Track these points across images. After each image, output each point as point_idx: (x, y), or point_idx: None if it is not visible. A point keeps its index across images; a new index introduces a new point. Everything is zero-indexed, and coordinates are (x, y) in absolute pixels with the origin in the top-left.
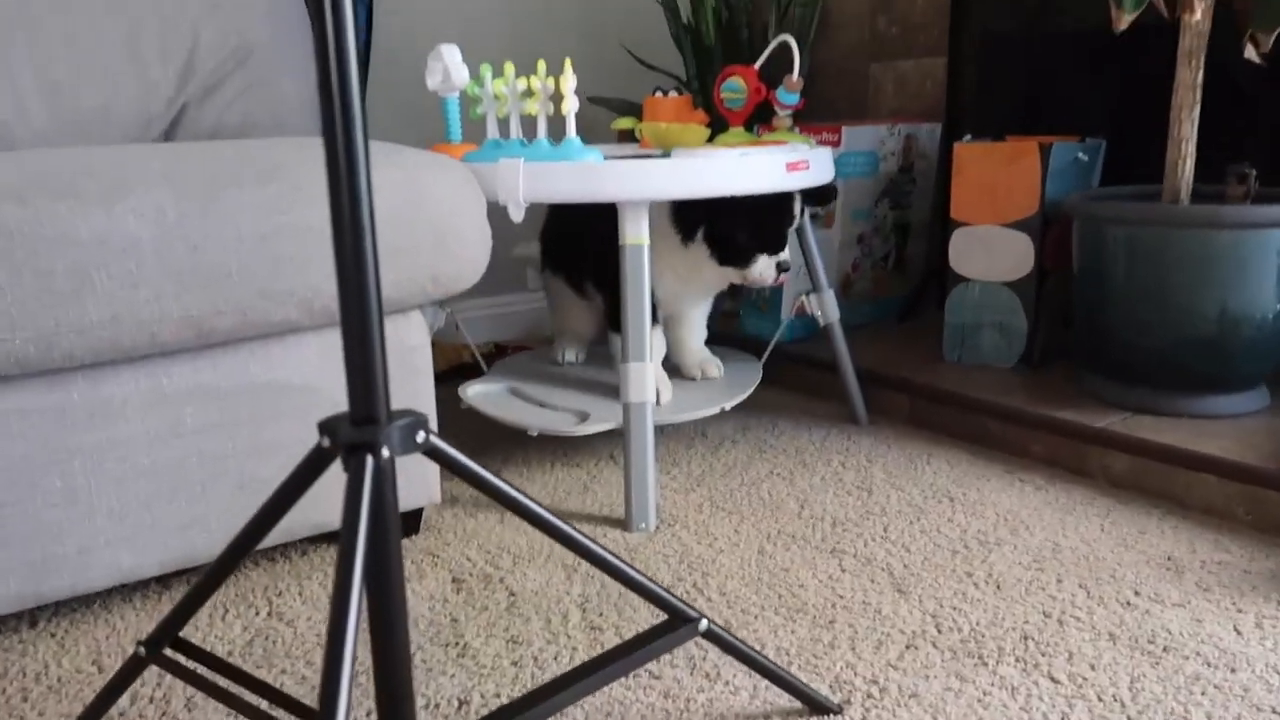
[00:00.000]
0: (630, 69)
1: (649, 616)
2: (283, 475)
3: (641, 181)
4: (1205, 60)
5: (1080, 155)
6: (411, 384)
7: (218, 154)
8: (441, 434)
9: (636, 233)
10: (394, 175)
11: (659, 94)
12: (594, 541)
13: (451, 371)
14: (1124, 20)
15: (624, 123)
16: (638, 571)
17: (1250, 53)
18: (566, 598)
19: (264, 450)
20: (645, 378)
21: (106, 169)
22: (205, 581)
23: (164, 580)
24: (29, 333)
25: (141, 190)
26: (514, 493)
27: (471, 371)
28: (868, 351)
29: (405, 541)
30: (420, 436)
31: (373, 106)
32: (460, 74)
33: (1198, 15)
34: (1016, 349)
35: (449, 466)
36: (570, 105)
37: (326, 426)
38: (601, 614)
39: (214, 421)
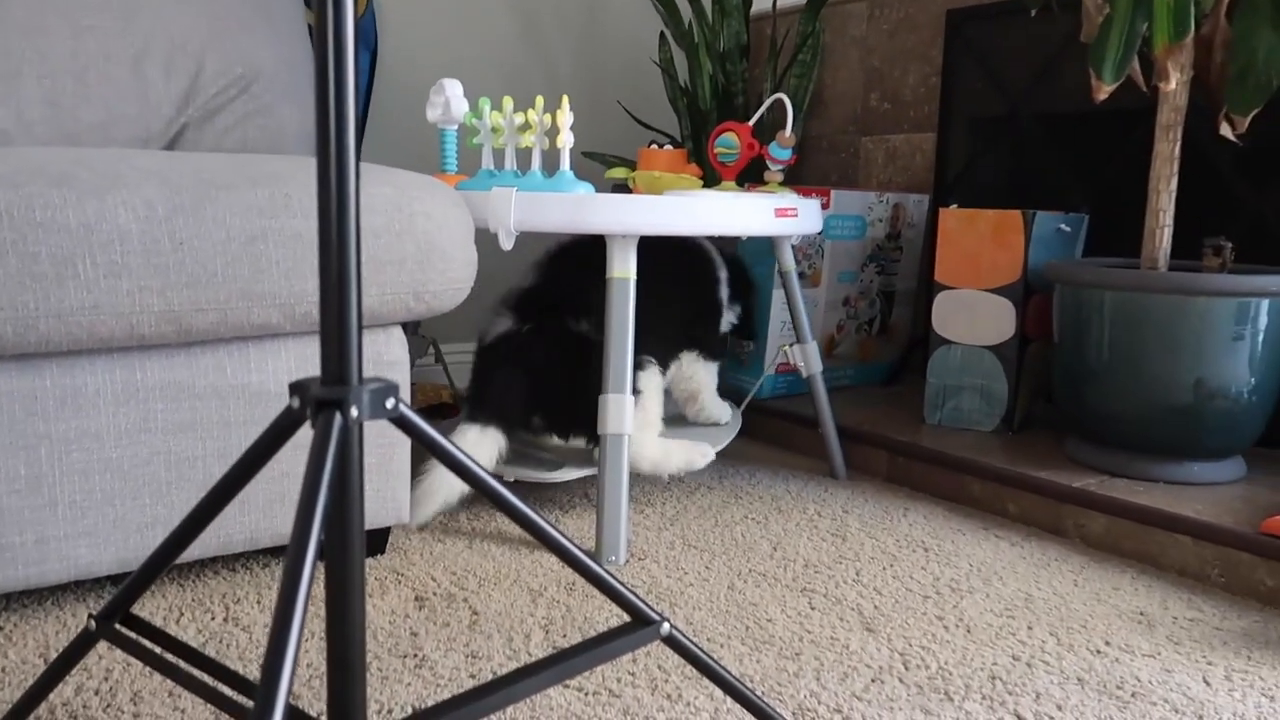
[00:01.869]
0: (626, 127)
1: None
2: (254, 484)
3: (632, 215)
4: (1183, 136)
5: (1063, 226)
6: None
7: (212, 161)
8: (411, 472)
9: (624, 267)
10: (384, 190)
11: (654, 146)
12: (559, 532)
13: (429, 410)
14: (1104, 90)
15: (618, 172)
16: (601, 568)
17: (1226, 131)
18: (530, 619)
19: (233, 454)
20: (623, 410)
21: (102, 164)
22: (162, 551)
23: (120, 579)
24: (8, 313)
25: (134, 185)
26: (481, 472)
27: (450, 412)
28: (849, 411)
29: (370, 561)
30: (390, 403)
31: (374, 138)
32: (460, 107)
33: (1172, 85)
34: (997, 413)
35: (416, 437)
36: (566, 139)
37: (297, 386)
38: (565, 635)
39: (185, 421)
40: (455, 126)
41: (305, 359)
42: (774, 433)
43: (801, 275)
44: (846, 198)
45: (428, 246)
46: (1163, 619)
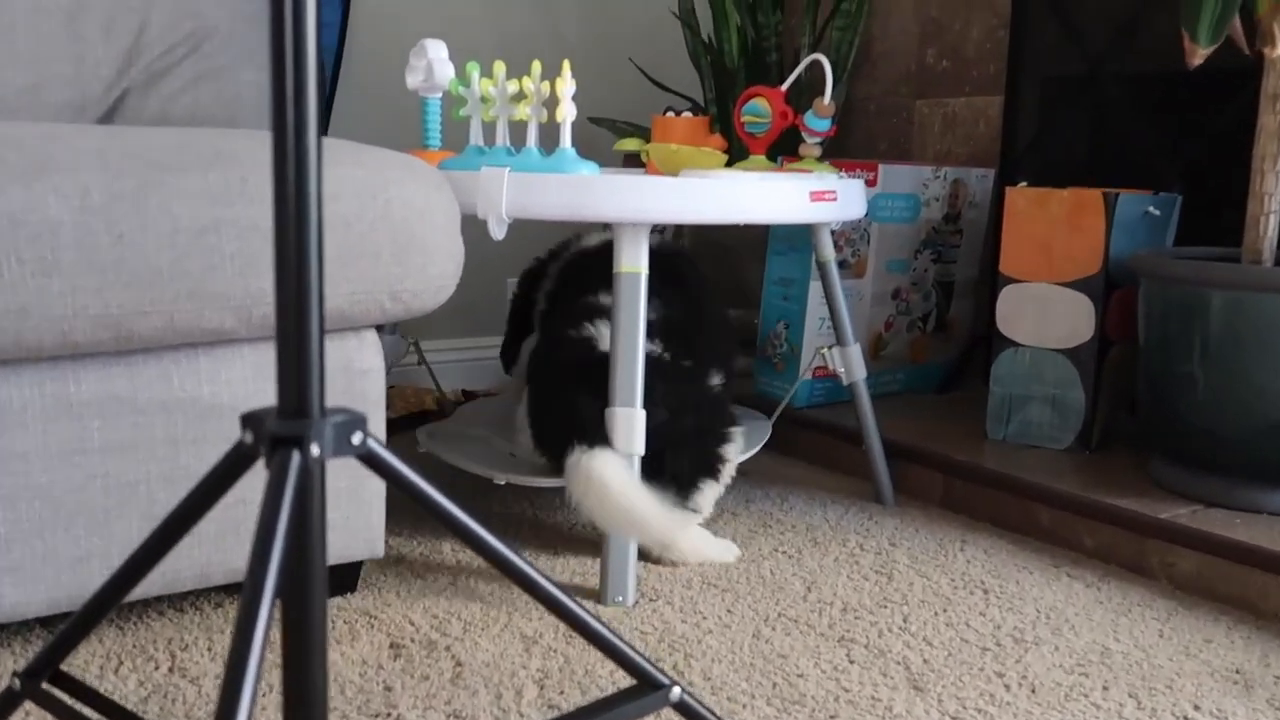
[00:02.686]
0: (640, 88)
1: None
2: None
3: (643, 201)
4: None
5: (1151, 209)
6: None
7: (158, 138)
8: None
9: (633, 260)
10: (354, 173)
11: (670, 114)
12: (551, 581)
13: (411, 418)
14: (1198, 55)
15: (628, 144)
16: (601, 624)
17: None
18: (523, 672)
19: (181, 478)
20: (634, 424)
21: (31, 143)
22: (95, 602)
23: (51, 622)
24: None
25: (68, 169)
26: (461, 515)
27: (434, 419)
28: (898, 423)
29: (338, 600)
30: (356, 438)
31: (345, 108)
32: (445, 72)
33: (1279, 50)
34: (1072, 427)
35: (387, 476)
36: (567, 111)
37: (250, 419)
38: (562, 691)
39: (126, 440)
40: (439, 95)
41: (263, 369)
42: (811, 448)
43: (843, 265)
44: (897, 174)
45: (405, 238)
46: (1263, 678)
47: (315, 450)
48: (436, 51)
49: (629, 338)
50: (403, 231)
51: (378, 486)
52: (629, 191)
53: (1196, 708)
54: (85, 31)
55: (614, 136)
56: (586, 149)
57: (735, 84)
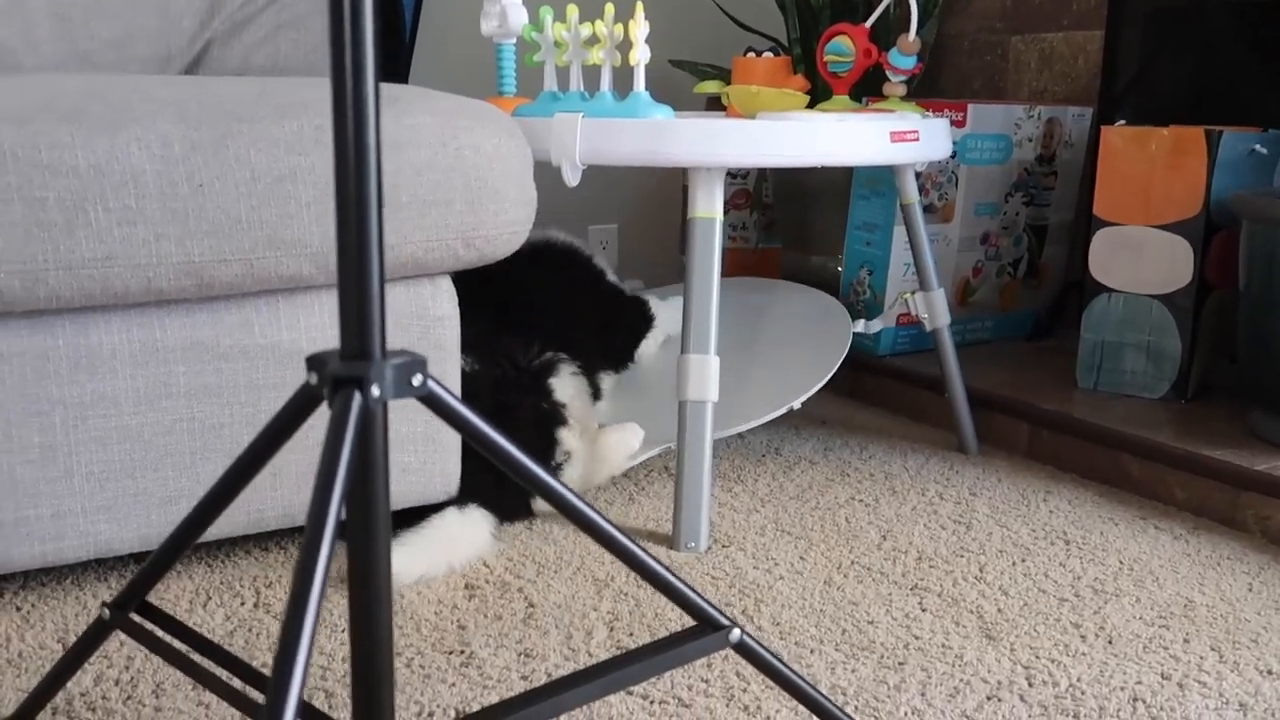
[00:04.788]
0: (721, 29)
1: None
2: (281, 456)
3: (716, 144)
4: None
5: (1258, 148)
6: (436, 364)
7: (236, 88)
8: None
9: (709, 205)
10: (425, 121)
11: (751, 55)
12: (611, 523)
13: None
14: None
15: (709, 86)
16: (660, 565)
17: None
18: (593, 613)
19: (262, 422)
20: (707, 372)
21: (114, 95)
22: (174, 540)
23: (143, 558)
24: (15, 265)
25: (148, 119)
26: (523, 459)
27: None
28: (985, 371)
29: None
30: (417, 379)
31: (426, 56)
32: (518, 17)
33: None
34: (1167, 376)
35: (448, 418)
36: (640, 54)
37: (314, 361)
38: (632, 633)
39: (209, 385)
40: (513, 41)
41: (327, 310)
42: (894, 397)
43: (929, 209)
44: (987, 113)
45: (478, 184)
46: None
47: (376, 391)
48: None
49: (704, 284)
50: (475, 179)
51: (451, 430)
52: (702, 135)
53: None
54: None
55: (695, 79)
56: (667, 93)
57: (819, 22)
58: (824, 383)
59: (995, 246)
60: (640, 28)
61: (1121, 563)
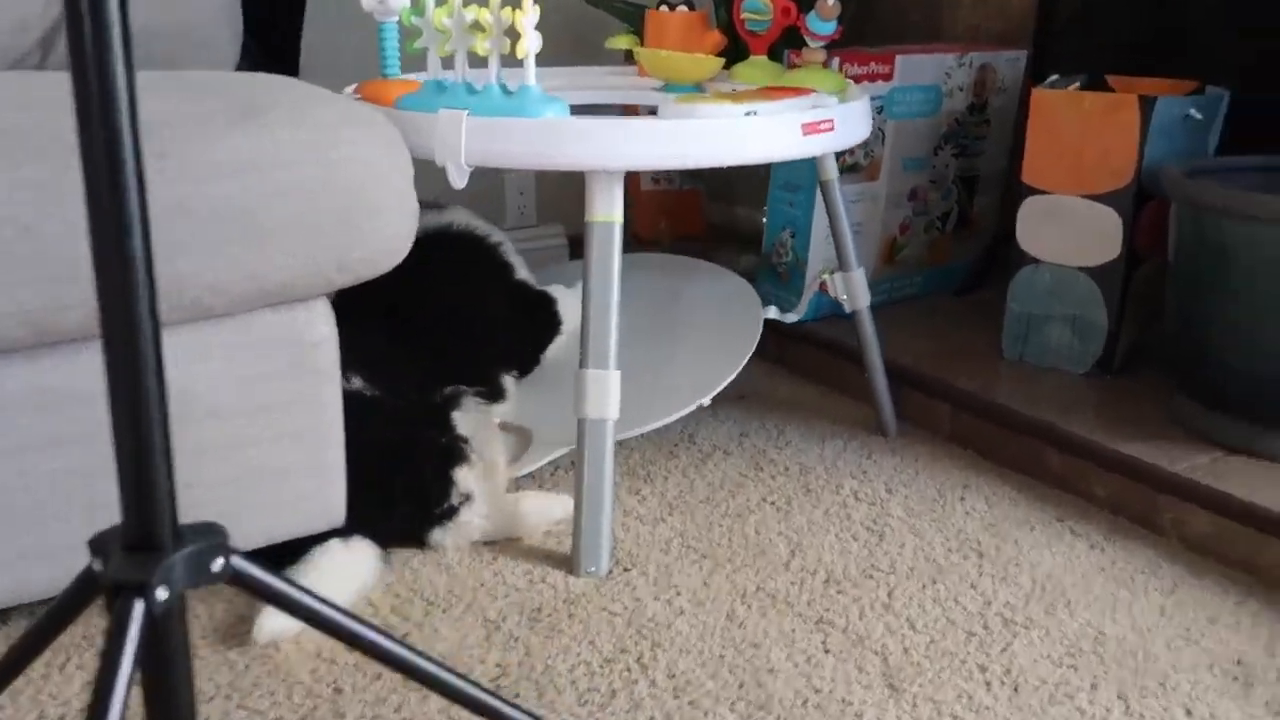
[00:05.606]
0: None
1: (571, 699)
2: None
3: (614, 146)
4: None
5: (1192, 112)
6: (312, 390)
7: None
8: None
9: (608, 208)
10: (291, 137)
11: (664, 8)
12: (450, 671)
13: None
14: None
15: (620, 41)
16: (488, 692)
17: None
18: (479, 666)
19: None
20: (607, 388)
21: None
22: None
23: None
24: None
25: None
26: (347, 621)
27: None
28: (907, 340)
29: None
30: (217, 564)
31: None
32: None
33: None
34: (1093, 350)
35: (265, 596)
36: (529, 46)
37: (97, 544)
38: (518, 693)
39: (62, 434)
40: (395, 19)
41: (204, 348)
42: (815, 367)
43: (854, 168)
44: (916, 64)
45: (354, 202)
46: (1265, 673)
47: (163, 594)
48: None
49: (602, 293)
50: (349, 198)
51: (335, 452)
52: (598, 136)
53: (1189, 713)
54: None
55: (613, 22)
56: (581, 38)
57: None
58: (732, 377)
59: (923, 202)
60: (529, 15)
61: (1034, 581)
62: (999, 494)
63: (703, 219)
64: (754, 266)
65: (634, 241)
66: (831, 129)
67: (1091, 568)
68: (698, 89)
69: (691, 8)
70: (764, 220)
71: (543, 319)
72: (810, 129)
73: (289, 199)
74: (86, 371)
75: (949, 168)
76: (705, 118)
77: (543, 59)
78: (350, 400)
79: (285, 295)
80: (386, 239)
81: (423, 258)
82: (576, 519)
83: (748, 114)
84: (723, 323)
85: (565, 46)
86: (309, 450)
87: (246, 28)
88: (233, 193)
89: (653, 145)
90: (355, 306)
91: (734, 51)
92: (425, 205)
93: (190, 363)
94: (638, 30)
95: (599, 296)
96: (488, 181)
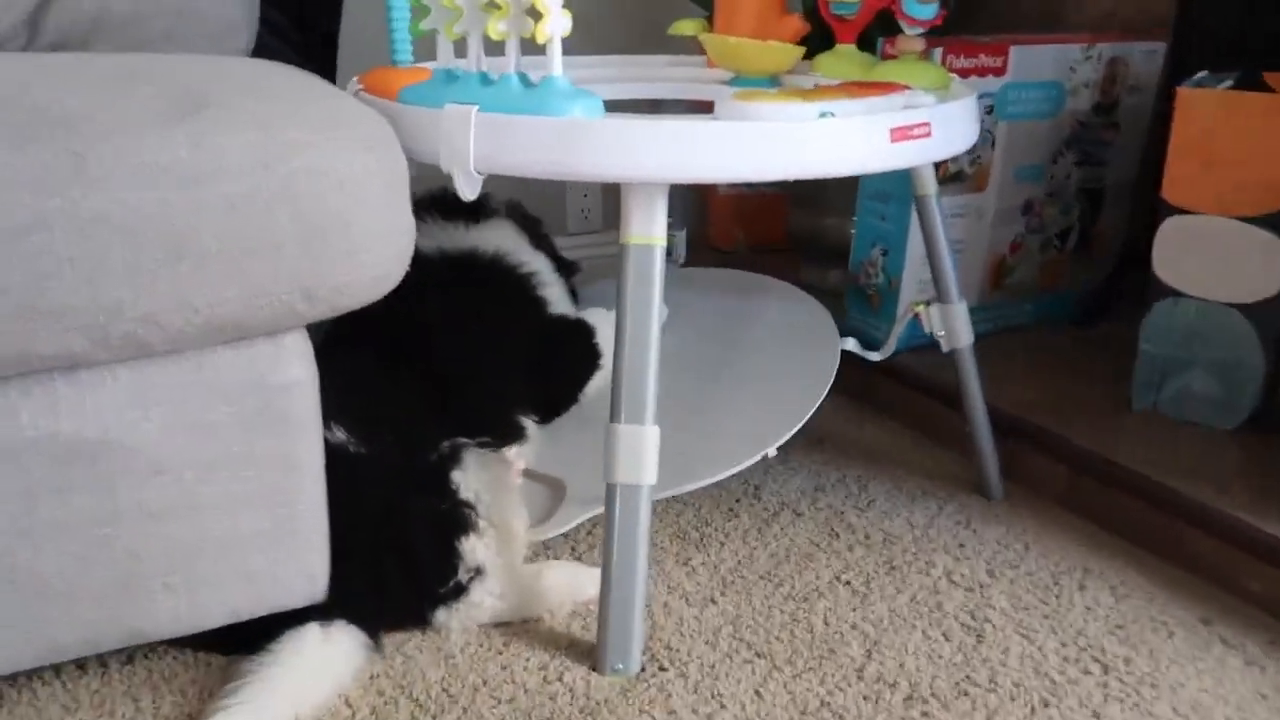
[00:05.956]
0: None
1: None
2: (74, 569)
3: (648, 156)
4: None
5: None
6: (282, 442)
7: None
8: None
9: (645, 227)
10: (238, 139)
11: None
12: None
13: None
14: None
15: (685, 26)
16: None
17: None
18: None
19: (43, 534)
20: (644, 447)
21: None
22: None
23: None
24: None
25: None
26: None
27: None
28: (1016, 382)
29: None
30: None
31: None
32: None
33: None
34: (1245, 404)
35: None
36: (554, 26)
37: None
38: None
39: None
40: None
41: (143, 392)
42: (906, 406)
43: (958, 178)
44: (1034, 56)
45: (319, 220)
46: None
47: None
48: None
49: (640, 332)
50: (315, 212)
51: (313, 517)
52: (630, 141)
53: None
54: None
55: (677, 9)
56: (643, 26)
57: None
58: (801, 425)
59: (1039, 217)
60: None
61: (1174, 710)
62: (1128, 583)
63: (785, 227)
64: (842, 284)
65: (708, 251)
66: (927, 134)
67: (1249, 693)
68: (771, 83)
69: None
70: (851, 230)
71: (579, 352)
72: (900, 134)
73: (237, 214)
74: None
75: (1070, 178)
76: (767, 119)
77: (604, 47)
78: (333, 456)
79: (241, 330)
80: (367, 264)
81: (436, 284)
82: (602, 606)
83: (822, 115)
84: (793, 356)
85: (636, 33)
86: (280, 514)
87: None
88: (166, 204)
89: (694, 156)
90: (345, 341)
91: (820, 39)
92: (456, 212)
93: (130, 409)
94: (708, 15)
95: (635, 336)
96: (544, 180)
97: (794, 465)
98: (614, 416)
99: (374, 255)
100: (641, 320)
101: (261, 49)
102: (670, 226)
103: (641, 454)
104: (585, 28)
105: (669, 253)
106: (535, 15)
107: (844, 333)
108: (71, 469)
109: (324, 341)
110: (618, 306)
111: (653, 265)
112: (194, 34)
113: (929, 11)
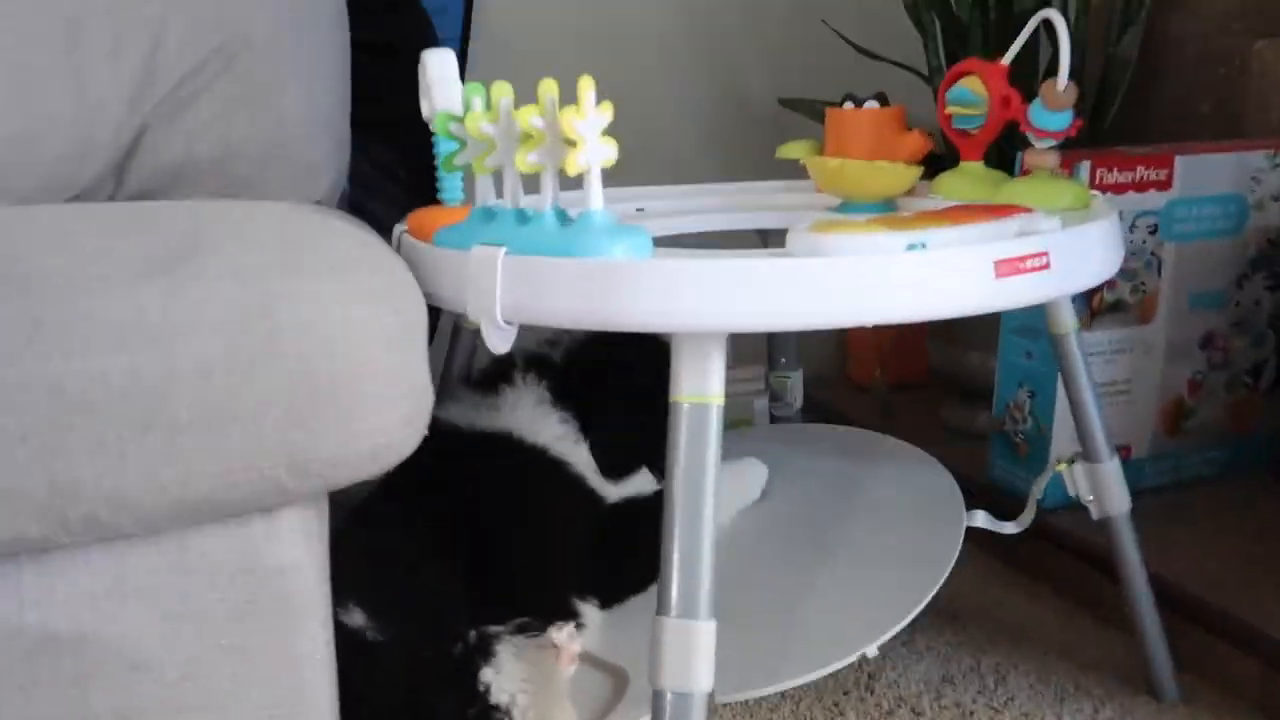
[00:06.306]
0: (844, 51)
1: None
2: None
3: (696, 302)
4: None
5: None
6: (279, 633)
7: None
8: None
9: (699, 384)
10: (215, 289)
11: (849, 105)
12: None
13: None
14: None
15: (793, 149)
16: None
17: None
18: None
19: None
20: (697, 646)
21: None
22: None
23: None
24: None
25: None
26: None
27: None
28: (1196, 550)
29: None
30: None
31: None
32: (451, 96)
33: None
34: None
35: None
36: (590, 155)
37: None
38: None
39: None
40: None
41: (122, 578)
42: (1057, 571)
43: (1117, 307)
44: (1206, 166)
45: (307, 382)
46: None
47: None
48: (439, 67)
49: (692, 510)
50: (302, 373)
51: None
52: (679, 286)
53: None
54: (85, 56)
55: (811, 123)
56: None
57: (967, 45)
58: (911, 618)
59: (1222, 351)
60: (588, 117)
61: None
62: None
63: (927, 363)
64: (989, 427)
65: (846, 388)
66: (1044, 266)
67: None
68: (885, 208)
69: (885, 103)
70: (993, 366)
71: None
72: (1008, 268)
73: (213, 378)
74: None
75: (1260, 304)
76: (843, 253)
77: (722, 173)
78: (348, 643)
79: (219, 509)
80: (364, 433)
81: (481, 469)
82: None
83: (910, 247)
84: (907, 534)
85: (753, 157)
86: (278, 714)
87: (370, 138)
88: (132, 370)
89: (756, 296)
90: (373, 505)
91: (940, 162)
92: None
93: (105, 599)
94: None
95: (688, 511)
96: None
97: (918, 647)
98: (661, 609)
99: (373, 423)
100: (695, 492)
101: (361, 189)
102: (783, 366)
103: (694, 655)
104: (700, 152)
105: (778, 397)
106: (572, 144)
107: (990, 486)
108: (37, 665)
109: (362, 503)
110: (666, 476)
111: (708, 428)
112: (277, 178)
113: (1061, 121)
